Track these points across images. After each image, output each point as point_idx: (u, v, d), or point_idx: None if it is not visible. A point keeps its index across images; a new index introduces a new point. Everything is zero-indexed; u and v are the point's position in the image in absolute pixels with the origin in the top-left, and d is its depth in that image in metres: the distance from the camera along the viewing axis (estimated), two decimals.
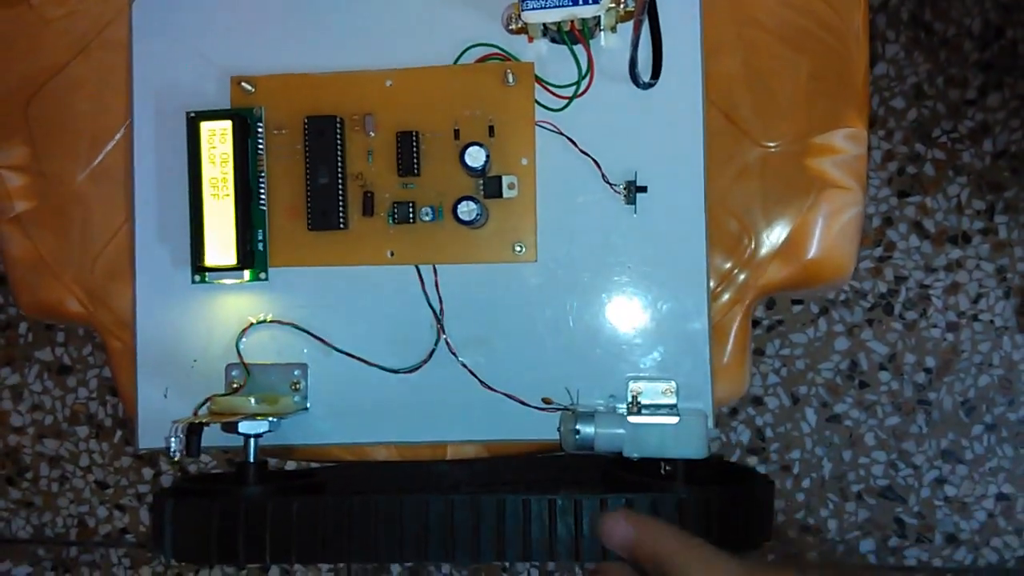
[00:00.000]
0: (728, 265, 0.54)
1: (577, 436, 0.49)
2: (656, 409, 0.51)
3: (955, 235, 1.16)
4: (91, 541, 1.25)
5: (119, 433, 1.23)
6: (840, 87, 0.53)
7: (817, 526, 1.17)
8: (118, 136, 0.55)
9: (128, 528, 1.24)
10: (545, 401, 0.51)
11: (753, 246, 0.53)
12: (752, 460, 1.18)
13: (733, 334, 0.54)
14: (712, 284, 0.53)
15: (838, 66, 0.53)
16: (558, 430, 0.51)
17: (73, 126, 0.55)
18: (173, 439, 0.44)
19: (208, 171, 0.50)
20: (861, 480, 1.17)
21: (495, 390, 0.51)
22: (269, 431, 0.49)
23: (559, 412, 0.51)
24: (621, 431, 0.49)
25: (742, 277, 0.54)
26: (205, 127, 0.50)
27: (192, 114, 0.51)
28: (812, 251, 0.53)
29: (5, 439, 1.25)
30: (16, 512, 1.25)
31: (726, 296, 0.54)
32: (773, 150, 0.53)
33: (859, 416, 1.17)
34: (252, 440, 0.49)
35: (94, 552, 1.25)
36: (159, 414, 0.52)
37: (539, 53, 0.52)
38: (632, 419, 0.49)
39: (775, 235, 0.53)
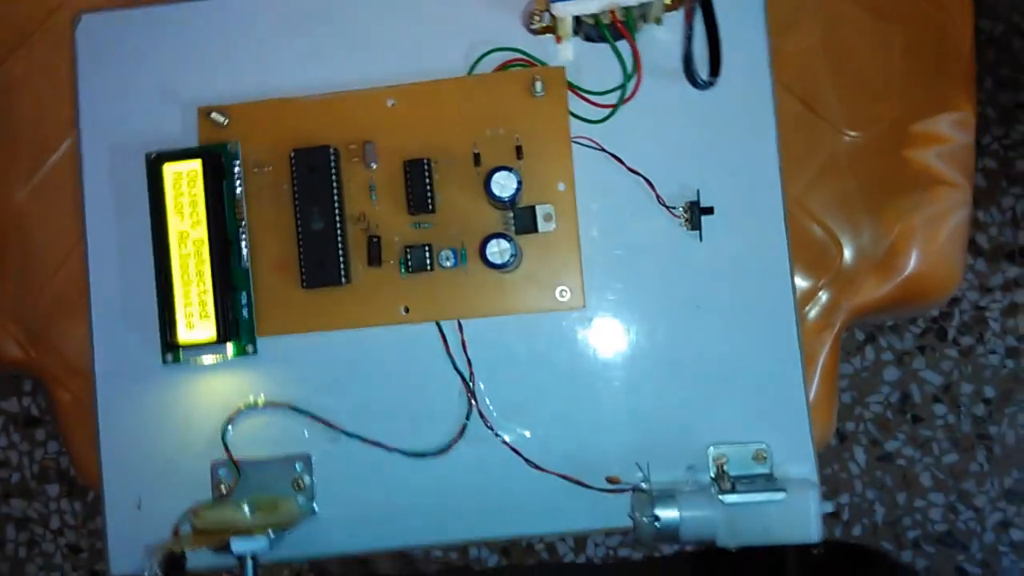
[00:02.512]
0: (812, 282, 0.50)
1: (657, 523, 0.43)
2: (751, 482, 0.44)
3: (1011, 251, 1.14)
4: None
5: (92, 491, 1.19)
6: (942, 63, 0.49)
7: None
8: (65, 145, 0.52)
9: None
10: (610, 480, 0.46)
11: (842, 258, 0.49)
12: None
13: (821, 365, 0.50)
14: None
15: (938, 38, 0.49)
16: (630, 516, 0.45)
17: (11, 134, 0.53)
18: (147, 574, 0.36)
19: (175, 223, 0.47)
20: (917, 525, 1.11)
21: (545, 470, 0.47)
22: (269, 548, 0.42)
23: (629, 493, 0.46)
24: (712, 514, 0.43)
25: (830, 296, 0.50)
26: (169, 170, 0.47)
27: (153, 155, 0.47)
28: (915, 262, 0.49)
29: None
30: None
31: (812, 318, 0.50)
32: (863, 140, 0.49)
33: (913, 454, 1.12)
34: (250, 561, 0.42)
35: None
36: (133, 528, 0.48)
37: (570, 55, 0.49)
38: (726, 498, 0.43)
39: (869, 244, 0.49)
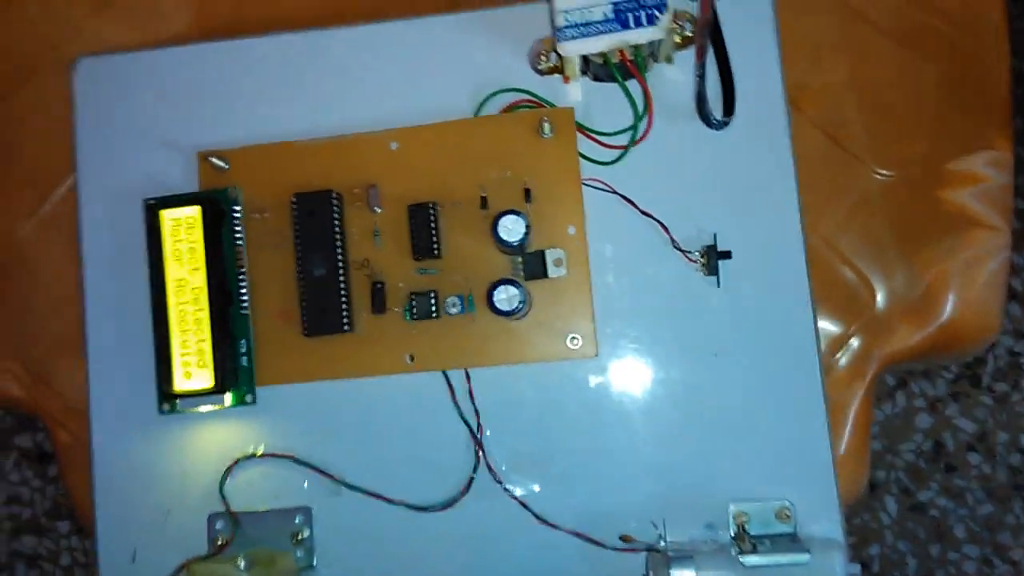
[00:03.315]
0: (843, 328, 0.48)
1: None
2: (773, 543, 0.42)
3: None
4: None
5: None
6: (977, 98, 0.48)
7: None
8: (70, 181, 0.52)
9: None
10: (624, 539, 0.45)
11: (875, 303, 0.48)
12: None
13: (852, 416, 0.48)
14: (823, 349, 0.47)
15: (973, 71, 0.48)
16: None
17: (15, 167, 0.53)
18: None
19: (174, 271, 0.46)
20: None
21: (556, 527, 0.45)
22: None
23: (644, 553, 0.44)
24: None
25: (861, 342, 0.48)
26: (168, 216, 0.46)
27: (151, 201, 0.47)
28: (952, 308, 0.48)
29: None
30: None
31: (842, 366, 0.48)
32: (894, 179, 0.48)
33: (946, 504, 1.09)
34: None
35: None
36: None
37: (579, 95, 0.48)
38: (747, 560, 0.40)
39: (902, 288, 0.48)
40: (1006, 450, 1.08)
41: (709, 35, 0.45)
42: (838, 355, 0.47)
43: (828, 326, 0.47)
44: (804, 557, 0.40)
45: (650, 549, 0.43)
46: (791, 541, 0.42)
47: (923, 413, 1.10)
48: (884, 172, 0.48)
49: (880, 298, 0.47)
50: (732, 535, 0.43)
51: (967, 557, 1.08)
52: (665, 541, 0.43)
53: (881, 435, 1.11)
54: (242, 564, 0.43)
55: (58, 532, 1.19)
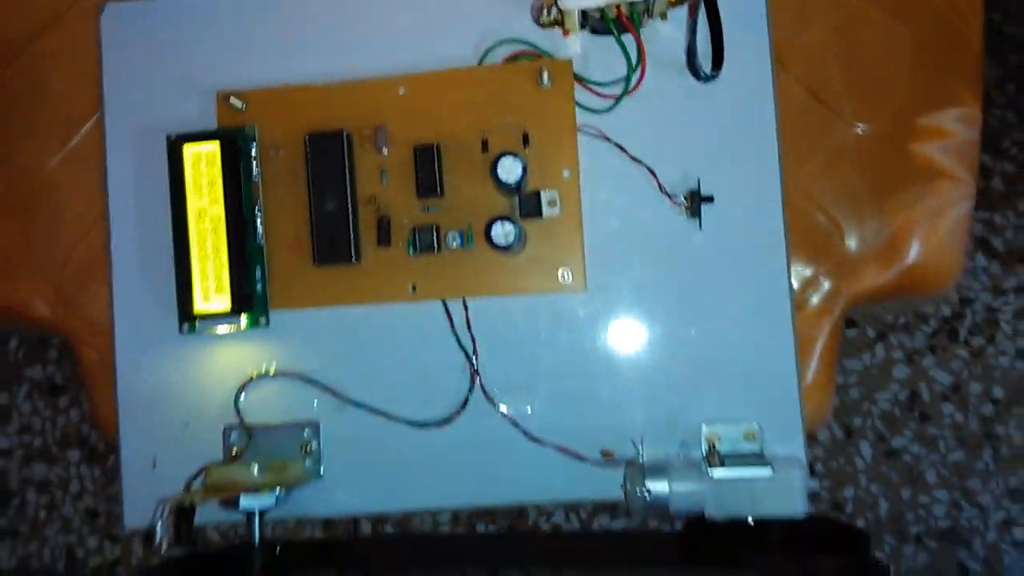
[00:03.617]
0: (815, 268, 0.49)
1: (648, 495, 0.43)
2: (741, 459, 0.44)
3: None
4: (80, 574, 1.20)
5: (112, 458, 1.18)
6: (950, 59, 0.48)
7: None
8: (94, 119, 0.52)
9: (119, 560, 1.20)
10: (604, 454, 0.47)
11: (845, 246, 0.49)
12: None
13: (819, 350, 0.49)
14: (796, 288, 0.48)
15: (948, 35, 0.48)
16: (622, 487, 0.46)
17: (44, 106, 0.52)
18: (158, 523, 0.38)
19: (194, 201, 0.47)
20: (921, 521, 1.11)
21: (543, 442, 0.47)
22: (276, 505, 0.43)
23: (622, 466, 0.46)
24: (702, 488, 0.43)
25: (831, 283, 0.49)
26: (189, 151, 0.47)
27: (173, 136, 0.47)
28: (916, 253, 0.48)
29: None
30: (0, 541, 1.21)
31: (813, 304, 0.49)
32: (869, 133, 0.49)
33: (919, 451, 1.11)
34: (256, 517, 0.43)
35: None
36: (148, 486, 0.48)
37: (577, 48, 0.49)
38: (715, 472, 0.43)
39: (871, 233, 0.48)
40: (979, 401, 1.10)
41: None
42: (808, 293, 0.48)
43: (801, 267, 0.48)
44: (766, 471, 0.42)
45: (628, 463, 0.45)
46: (756, 458, 0.44)
47: (901, 364, 1.11)
48: (860, 126, 0.48)
49: (850, 242, 0.48)
50: (704, 452, 0.45)
51: (937, 501, 1.10)
52: (642, 456, 0.46)
53: (859, 384, 1.11)
54: (255, 470, 0.44)
55: (68, 460, 1.19)
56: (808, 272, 0.49)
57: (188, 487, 0.44)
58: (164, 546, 0.38)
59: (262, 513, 0.43)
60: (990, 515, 1.09)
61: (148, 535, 0.39)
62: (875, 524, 1.10)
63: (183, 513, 0.39)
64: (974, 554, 1.10)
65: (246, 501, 0.42)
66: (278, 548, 0.46)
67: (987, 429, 1.10)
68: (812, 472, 1.13)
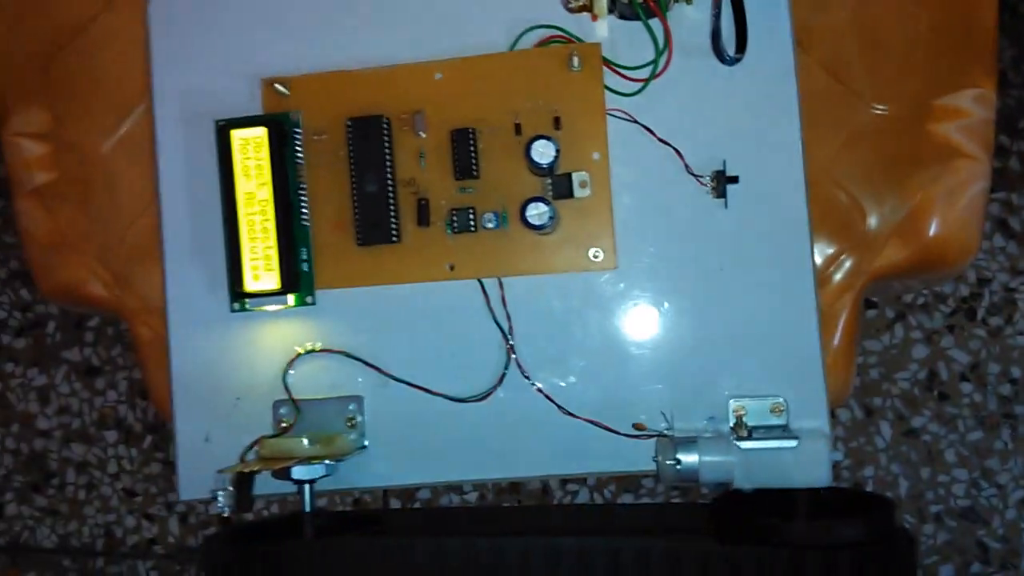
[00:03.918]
0: (837, 246, 0.50)
1: (678, 467, 0.44)
2: (767, 431, 0.46)
3: None
4: (118, 552, 1.22)
5: (149, 439, 1.21)
6: (966, 41, 0.48)
7: None
8: (147, 103, 0.52)
9: (157, 539, 1.22)
10: (636, 427, 0.47)
11: (866, 224, 0.49)
12: None
13: (841, 325, 0.50)
14: (818, 265, 0.49)
15: (963, 17, 0.48)
16: (654, 460, 0.46)
17: (98, 89, 0.53)
18: (220, 493, 0.39)
19: (243, 185, 0.47)
20: (940, 500, 1.11)
21: (577, 416, 0.48)
22: (325, 475, 0.45)
23: (653, 439, 0.47)
24: (730, 459, 0.44)
25: (853, 260, 0.50)
26: (237, 136, 0.48)
27: (222, 122, 0.48)
28: (934, 229, 0.49)
29: (31, 443, 1.23)
30: (41, 520, 1.23)
31: (835, 281, 0.50)
32: (888, 113, 0.49)
33: (938, 431, 1.11)
34: (307, 487, 0.45)
35: (121, 564, 1.22)
36: (201, 459, 0.49)
37: (605, 32, 0.49)
38: (742, 444, 0.44)
39: (891, 211, 0.49)
40: (997, 380, 1.09)
41: None
42: (831, 270, 0.49)
43: (823, 245, 0.49)
44: (792, 443, 0.43)
45: (659, 436, 0.47)
46: (782, 431, 0.45)
47: (920, 344, 1.11)
48: (879, 107, 0.48)
49: (871, 220, 0.49)
50: (731, 425, 0.46)
51: (956, 480, 1.10)
52: (672, 429, 0.47)
53: (879, 364, 1.11)
54: (305, 442, 0.46)
55: (106, 441, 1.21)
56: (830, 250, 0.50)
57: (243, 458, 0.46)
58: (227, 513, 0.40)
59: (312, 482, 0.45)
60: (1009, 494, 1.09)
61: (211, 503, 0.41)
62: (895, 502, 1.12)
63: (243, 481, 0.41)
64: (993, 533, 1.10)
65: (299, 472, 0.44)
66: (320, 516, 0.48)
67: (1005, 409, 1.10)
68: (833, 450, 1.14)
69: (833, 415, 1.08)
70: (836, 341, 0.49)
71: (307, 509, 0.44)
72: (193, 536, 1.22)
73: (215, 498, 0.40)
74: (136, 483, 1.22)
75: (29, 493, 1.24)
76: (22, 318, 1.26)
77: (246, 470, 0.41)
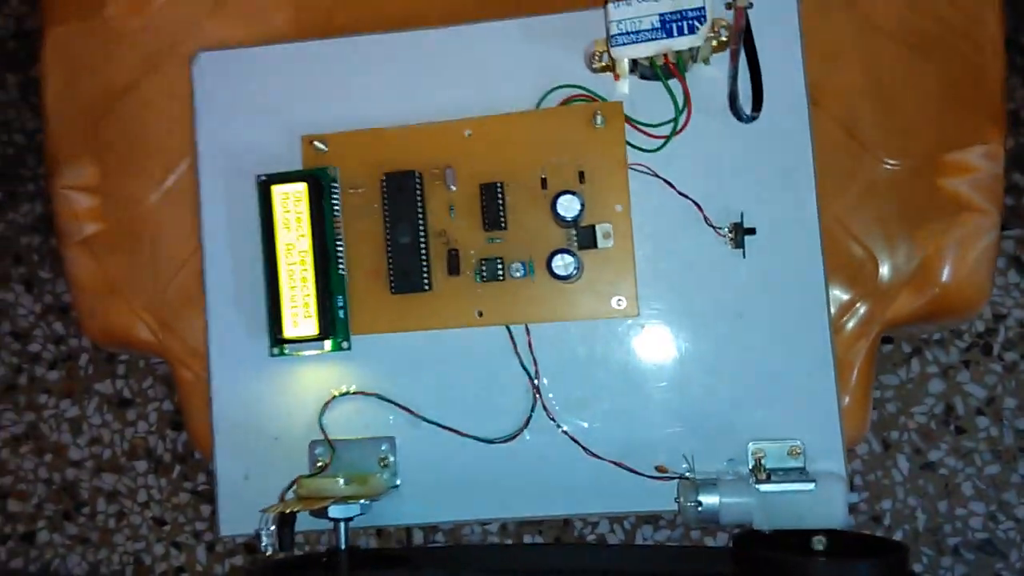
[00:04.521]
0: (851, 295, 0.51)
1: (700, 508, 0.45)
2: (785, 474, 0.47)
3: None
4: None
5: (178, 468, 1.22)
6: (974, 98, 0.50)
7: None
8: (191, 157, 0.54)
9: (185, 567, 1.22)
10: (659, 469, 0.49)
11: (879, 274, 0.50)
12: None
13: (856, 371, 0.51)
14: (833, 313, 0.50)
15: (971, 74, 0.50)
16: (676, 501, 0.48)
17: (145, 146, 0.55)
18: (264, 532, 0.41)
19: (283, 236, 0.49)
20: (958, 533, 1.10)
21: (601, 458, 0.49)
22: (361, 514, 0.46)
23: (676, 481, 0.48)
24: (750, 501, 0.45)
25: (866, 308, 0.51)
26: (278, 191, 0.49)
27: (263, 177, 0.50)
28: (946, 279, 0.50)
29: (63, 473, 1.24)
30: (72, 548, 1.24)
31: (850, 328, 0.51)
32: (900, 168, 0.50)
33: (955, 464, 1.10)
34: (343, 524, 0.46)
35: None
36: (240, 496, 0.51)
37: (627, 91, 0.50)
38: (762, 487, 0.45)
39: (904, 261, 0.50)
40: (1013, 415, 1.08)
41: (742, 41, 0.47)
42: (845, 318, 0.50)
43: (838, 293, 0.50)
44: (810, 486, 0.45)
45: (681, 478, 0.47)
46: (800, 474, 0.46)
47: (936, 379, 1.10)
48: (891, 162, 0.50)
49: (884, 270, 0.50)
50: (750, 468, 0.47)
51: (974, 513, 1.09)
52: (693, 471, 0.48)
53: (896, 398, 1.10)
54: (341, 482, 0.47)
55: (136, 471, 1.22)
56: (845, 298, 0.51)
57: (283, 497, 0.47)
58: (270, 551, 0.41)
59: (348, 520, 0.46)
60: None
61: (254, 542, 0.42)
62: (913, 536, 1.09)
63: (285, 521, 0.42)
64: (1011, 566, 1.08)
65: (335, 511, 0.45)
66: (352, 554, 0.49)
67: (1022, 443, 1.09)
68: (851, 487, 1.14)
69: (850, 452, 1.09)
70: (851, 386, 0.50)
71: (342, 546, 0.46)
72: (220, 564, 1.23)
73: (258, 537, 0.42)
74: (165, 512, 1.23)
75: (61, 521, 1.25)
76: (56, 351, 1.28)
77: (287, 510, 0.43)
